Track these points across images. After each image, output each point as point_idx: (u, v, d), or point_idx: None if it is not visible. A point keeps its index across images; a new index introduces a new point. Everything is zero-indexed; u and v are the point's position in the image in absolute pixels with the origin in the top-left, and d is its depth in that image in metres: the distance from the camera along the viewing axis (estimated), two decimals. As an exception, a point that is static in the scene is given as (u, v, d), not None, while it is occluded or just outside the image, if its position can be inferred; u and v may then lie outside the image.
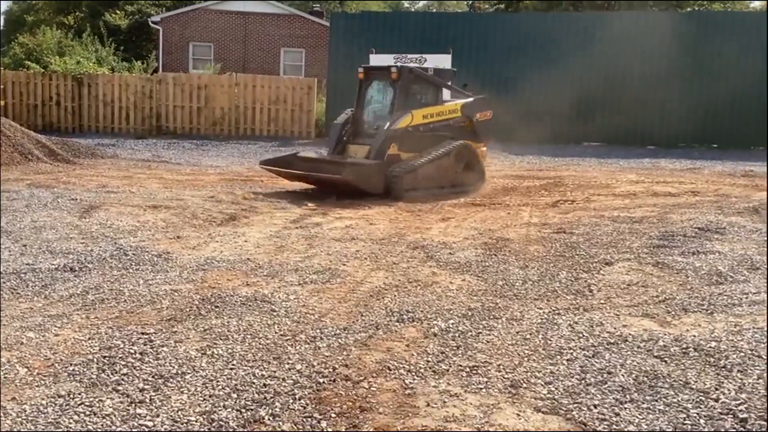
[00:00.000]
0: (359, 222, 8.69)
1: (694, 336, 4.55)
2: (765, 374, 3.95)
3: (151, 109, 21.66)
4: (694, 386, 3.81)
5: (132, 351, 4.25)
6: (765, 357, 4.19)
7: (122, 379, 3.85)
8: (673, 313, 5.09)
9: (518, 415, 3.53)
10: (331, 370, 4.03)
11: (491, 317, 5.01)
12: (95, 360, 4.10)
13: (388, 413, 3.53)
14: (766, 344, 4.37)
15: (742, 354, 4.24)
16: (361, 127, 11.80)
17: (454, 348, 4.41)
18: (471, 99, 12.45)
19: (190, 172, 13.80)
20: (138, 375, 3.91)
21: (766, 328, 4.62)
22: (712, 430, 3.37)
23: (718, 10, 30.72)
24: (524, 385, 3.87)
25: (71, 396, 3.64)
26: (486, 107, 12.56)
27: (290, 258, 6.67)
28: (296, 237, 7.65)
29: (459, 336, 4.62)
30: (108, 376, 3.89)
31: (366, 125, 11.79)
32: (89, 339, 4.44)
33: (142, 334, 4.54)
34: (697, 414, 3.51)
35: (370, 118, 11.87)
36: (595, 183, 12.43)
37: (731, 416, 3.49)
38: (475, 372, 4.05)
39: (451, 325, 4.80)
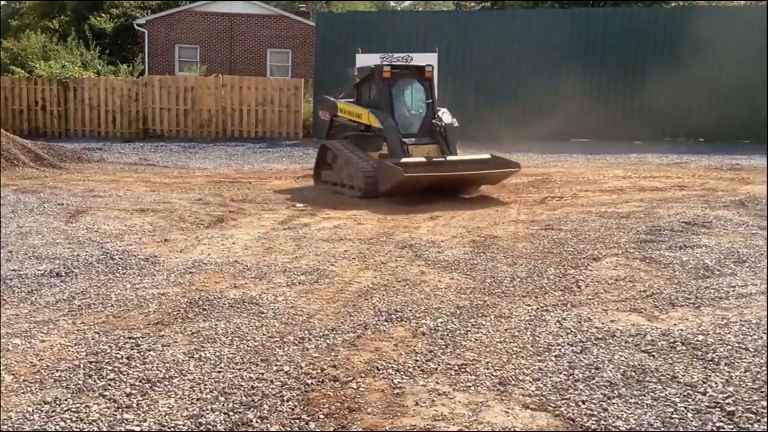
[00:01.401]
0: (347, 222, 8.68)
1: (682, 330, 4.57)
2: (752, 367, 3.97)
3: (137, 112, 21.57)
4: (681, 380, 3.83)
5: (119, 356, 4.22)
6: (752, 350, 4.21)
7: (109, 384, 3.83)
8: (660, 307, 5.10)
9: (507, 412, 3.53)
10: (319, 371, 4.02)
11: (480, 315, 5.01)
12: (82, 365, 4.07)
13: (377, 413, 3.53)
14: (765, 338, 4.39)
15: (729, 347, 4.26)
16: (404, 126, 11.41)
17: (443, 347, 4.41)
18: None
19: (178, 175, 13.76)
20: (125, 380, 3.89)
21: (765, 322, 4.64)
22: (700, 423, 3.38)
23: (703, 5, 30.84)
24: (512, 382, 3.88)
25: (57, 402, 3.61)
26: None
27: (278, 259, 6.65)
28: (284, 238, 7.64)
29: (447, 334, 4.61)
30: (95, 381, 3.87)
31: (406, 125, 11.41)
32: (75, 344, 4.42)
33: (129, 338, 4.51)
34: (685, 408, 3.52)
35: (408, 117, 11.61)
36: (582, 179, 12.45)
37: (719, 409, 3.50)
38: (463, 370, 4.04)
39: (439, 324, 4.80)
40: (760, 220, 7.82)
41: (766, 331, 4.49)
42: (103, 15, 34.63)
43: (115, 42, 33.03)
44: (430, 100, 11.58)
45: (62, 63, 22.80)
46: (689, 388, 3.73)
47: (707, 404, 3.55)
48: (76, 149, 16.90)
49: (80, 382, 3.86)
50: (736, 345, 4.29)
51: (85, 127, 21.72)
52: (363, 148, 11.32)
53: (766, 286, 5.49)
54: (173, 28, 31.07)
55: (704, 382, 3.79)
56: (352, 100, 12.31)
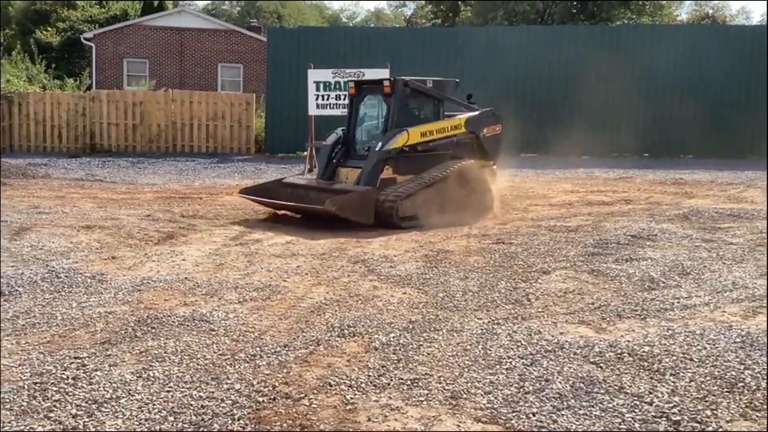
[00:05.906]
0: (300, 237, 8.64)
1: (628, 341, 4.66)
2: (696, 377, 4.07)
3: (84, 127, 21.18)
4: (628, 391, 3.90)
5: (64, 376, 4.12)
6: (696, 360, 4.32)
7: (54, 406, 3.73)
8: (608, 319, 5.20)
9: (458, 426, 3.55)
10: (270, 388, 3.99)
11: (432, 329, 5.03)
12: (26, 387, 3.96)
13: (329, 430, 3.51)
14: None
15: (675, 358, 4.36)
16: (354, 147, 10.72)
17: (395, 361, 4.42)
18: (476, 112, 11.20)
19: (126, 191, 13.53)
20: (71, 401, 3.80)
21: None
22: (647, 433, 3.45)
23: (647, 23, 31.69)
24: (464, 395, 3.90)
25: (1, 425, 3.51)
26: (494, 121, 11.37)
27: (230, 275, 6.59)
28: (236, 254, 7.56)
29: (400, 349, 4.62)
30: (39, 402, 3.77)
31: (358, 145, 10.70)
32: (20, 365, 4.30)
33: (75, 358, 4.41)
34: (632, 418, 3.59)
35: (363, 137, 10.80)
36: (532, 193, 12.64)
37: (665, 419, 3.58)
38: (416, 384, 4.06)
39: (392, 339, 4.81)
40: (703, 233, 8.04)
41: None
42: (49, 29, 34.02)
43: (62, 56, 32.47)
44: (386, 119, 10.57)
45: (7, 77, 22.28)
46: (636, 398, 3.81)
47: (654, 414, 3.63)
48: (21, 165, 16.51)
49: (24, 403, 3.75)
50: (681, 355, 4.39)
51: (30, 143, 21.24)
52: None
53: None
54: (121, 42, 30.67)
55: (650, 393, 3.87)
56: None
